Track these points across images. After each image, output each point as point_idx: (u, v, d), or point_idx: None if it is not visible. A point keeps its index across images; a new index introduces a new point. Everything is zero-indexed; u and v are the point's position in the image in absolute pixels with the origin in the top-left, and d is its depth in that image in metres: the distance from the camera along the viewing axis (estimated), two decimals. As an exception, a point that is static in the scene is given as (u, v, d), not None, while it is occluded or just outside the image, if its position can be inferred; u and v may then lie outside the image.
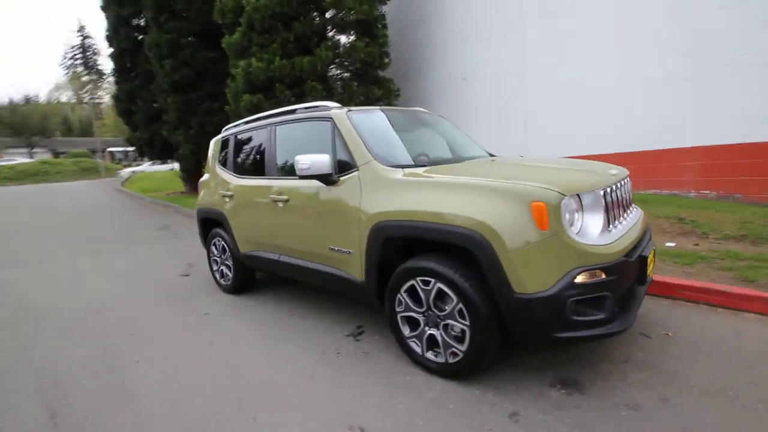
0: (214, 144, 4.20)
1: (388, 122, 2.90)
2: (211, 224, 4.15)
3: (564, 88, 7.02)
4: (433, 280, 2.12)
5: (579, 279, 1.81)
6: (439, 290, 2.11)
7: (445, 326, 2.15)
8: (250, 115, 8.63)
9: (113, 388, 2.39)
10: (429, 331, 2.23)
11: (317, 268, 2.86)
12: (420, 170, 2.41)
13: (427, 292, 2.17)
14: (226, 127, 4.17)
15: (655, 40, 5.58)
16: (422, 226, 2.09)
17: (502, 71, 8.46)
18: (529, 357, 2.35)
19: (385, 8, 9.68)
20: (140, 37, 13.12)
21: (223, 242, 3.89)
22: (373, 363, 2.45)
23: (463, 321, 2.04)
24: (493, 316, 1.98)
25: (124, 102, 13.61)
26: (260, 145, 3.42)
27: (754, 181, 4.76)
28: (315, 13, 9.19)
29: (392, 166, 2.44)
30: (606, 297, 1.88)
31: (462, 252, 2.06)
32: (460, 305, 2.03)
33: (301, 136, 3.06)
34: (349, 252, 2.56)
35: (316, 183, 2.73)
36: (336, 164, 2.63)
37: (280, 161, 3.18)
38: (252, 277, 3.96)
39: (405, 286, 2.27)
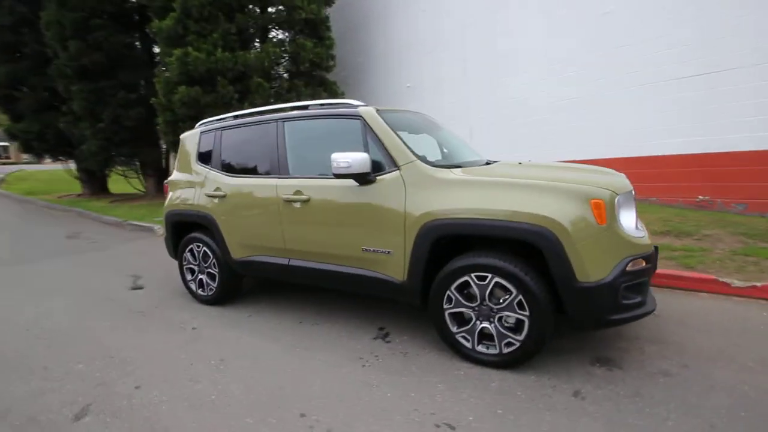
0: (189, 139, 3.77)
1: (414, 124, 2.93)
2: (186, 228, 3.70)
3: (502, 100, 7.73)
4: (490, 275, 2.21)
5: (629, 267, 2.07)
6: (496, 284, 2.21)
7: (499, 318, 2.26)
8: (185, 109, 7.90)
9: (127, 423, 2.02)
10: (482, 325, 2.31)
11: (344, 270, 2.76)
12: (458, 171, 2.50)
13: (483, 287, 2.25)
14: (204, 121, 3.78)
15: (575, 64, 6.47)
16: (486, 223, 2.18)
17: (446, 80, 8.94)
18: (565, 342, 2.57)
19: (329, 10, 9.60)
20: (27, 12, 11.00)
21: (204, 248, 3.50)
22: (418, 362, 2.45)
23: (522, 312, 2.17)
24: (550, 305, 2.14)
25: (3, 87, 11.24)
26: (262, 142, 3.17)
27: (666, 187, 5.80)
28: (253, 6, 8.73)
29: (437, 166, 2.49)
30: (644, 282, 2.18)
31: (521, 247, 2.20)
32: (520, 297, 2.16)
33: (320, 133, 2.93)
34: (388, 252, 2.53)
35: (344, 182, 2.65)
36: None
37: (293, 159, 2.99)
38: (239, 285, 3.64)
39: (456, 283, 2.33)
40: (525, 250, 2.24)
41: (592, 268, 2.03)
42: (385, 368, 2.41)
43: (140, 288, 4.25)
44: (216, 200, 3.34)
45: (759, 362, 2.25)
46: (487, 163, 2.94)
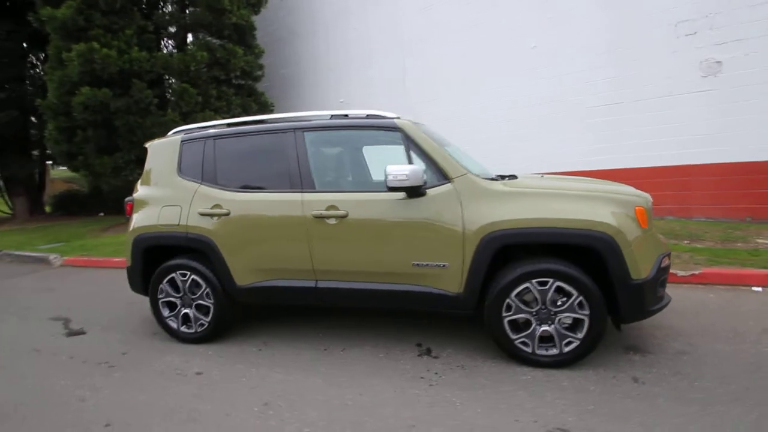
0: (163, 148, 3.20)
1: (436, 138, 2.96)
2: (163, 254, 3.10)
3: (436, 121, 8.26)
4: (551, 280, 2.35)
5: (662, 264, 2.42)
6: (557, 288, 2.36)
7: (558, 320, 2.41)
8: (89, 114, 6.62)
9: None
10: (542, 328, 2.43)
11: (389, 288, 2.63)
12: (501, 183, 2.62)
13: (544, 292, 2.38)
14: (182, 129, 3.25)
15: (507, 91, 7.32)
16: (550, 231, 2.31)
17: (376, 95, 9.13)
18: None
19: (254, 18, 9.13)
20: None
21: (194, 276, 2.98)
22: (481, 374, 2.45)
23: (582, 312, 2.34)
24: (605, 303, 2.37)
25: None
26: (275, 153, 2.86)
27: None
28: (167, 3, 7.84)
29: (486, 179, 2.57)
30: (666, 277, 2.56)
31: (578, 252, 2.40)
32: (581, 298, 2.33)
33: (350, 145, 2.79)
34: (444, 265, 2.50)
35: (389, 195, 2.56)
36: (419, 175, 2.53)
37: (319, 172, 2.76)
38: (235, 317, 3.17)
39: (517, 290, 2.41)
40: (567, 254, 2.45)
41: (642, 266, 2.31)
42: (455, 384, 2.35)
43: (81, 333, 3.40)
44: (215, 219, 2.88)
45: (734, 334, 2.80)
46: (506, 177, 3.13)
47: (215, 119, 7.38)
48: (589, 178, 3.22)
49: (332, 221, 2.65)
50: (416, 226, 2.53)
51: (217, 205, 2.89)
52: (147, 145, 3.30)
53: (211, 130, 3.08)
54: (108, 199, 9.93)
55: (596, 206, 2.33)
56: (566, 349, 2.41)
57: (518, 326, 2.48)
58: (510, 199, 2.44)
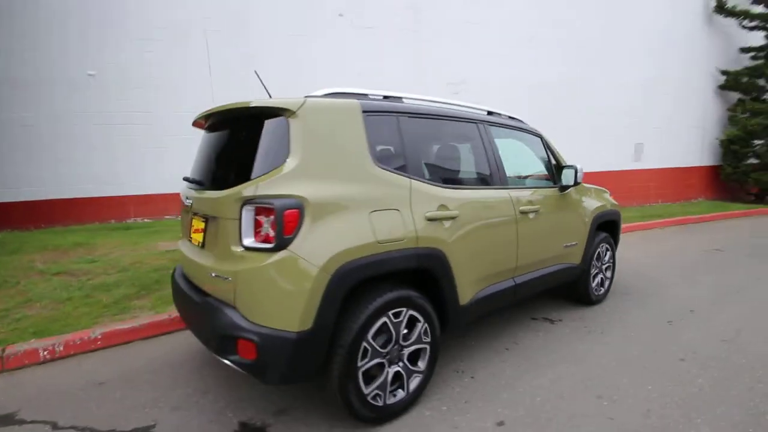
0: (339, 118, 1.95)
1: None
2: (357, 290, 1.88)
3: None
4: (606, 244, 3.71)
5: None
6: (606, 248, 3.74)
7: (604, 268, 3.79)
8: None
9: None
10: (600, 276, 3.71)
11: (550, 270, 3.06)
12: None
13: (604, 251, 3.69)
14: (346, 91, 2.04)
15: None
16: (611, 212, 3.66)
17: (155, 77, 6.94)
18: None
19: None
20: None
21: (412, 312, 2.06)
22: (596, 322, 3.38)
23: (611, 259, 3.84)
24: (612, 253, 3.97)
25: None
26: (470, 144, 2.54)
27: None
28: None
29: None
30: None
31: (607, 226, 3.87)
32: (611, 251, 3.83)
33: (515, 143, 2.95)
34: (576, 243, 3.29)
35: (553, 190, 3.09)
36: (557, 174, 3.19)
37: (509, 167, 2.73)
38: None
39: (596, 254, 3.59)
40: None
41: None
42: (608, 330, 3.18)
43: None
44: (446, 225, 2.15)
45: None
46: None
47: None
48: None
49: (532, 216, 2.77)
50: (569, 214, 3.18)
51: (443, 206, 2.17)
52: (286, 105, 1.76)
53: (391, 103, 2.18)
54: None
55: (606, 198, 3.92)
56: (607, 286, 3.83)
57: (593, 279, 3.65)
58: (592, 193, 3.58)
